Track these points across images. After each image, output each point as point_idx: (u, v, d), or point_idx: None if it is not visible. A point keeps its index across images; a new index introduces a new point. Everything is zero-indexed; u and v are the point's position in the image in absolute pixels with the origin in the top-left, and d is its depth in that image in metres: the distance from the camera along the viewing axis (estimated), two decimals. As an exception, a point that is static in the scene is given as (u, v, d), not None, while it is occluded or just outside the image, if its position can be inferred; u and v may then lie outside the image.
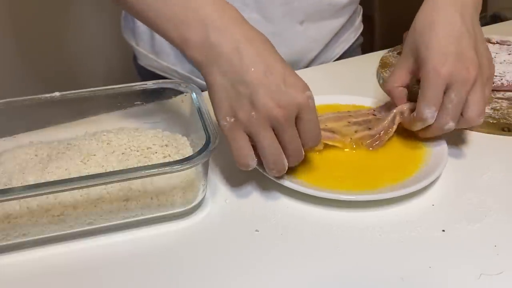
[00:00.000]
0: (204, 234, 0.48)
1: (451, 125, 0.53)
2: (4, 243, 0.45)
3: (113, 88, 0.56)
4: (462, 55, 0.52)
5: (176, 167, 0.44)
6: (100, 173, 0.44)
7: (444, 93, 0.52)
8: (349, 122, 0.60)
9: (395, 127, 0.58)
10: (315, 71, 0.82)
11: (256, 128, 0.46)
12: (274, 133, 0.47)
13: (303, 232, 0.48)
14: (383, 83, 0.59)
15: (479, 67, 0.52)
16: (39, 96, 0.54)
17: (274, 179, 0.51)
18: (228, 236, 0.47)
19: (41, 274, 0.44)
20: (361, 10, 0.94)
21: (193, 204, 0.49)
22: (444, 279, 0.43)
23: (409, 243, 0.46)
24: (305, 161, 0.55)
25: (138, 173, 0.44)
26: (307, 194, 0.50)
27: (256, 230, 0.48)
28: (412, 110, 0.57)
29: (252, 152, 0.48)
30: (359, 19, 0.92)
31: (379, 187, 0.51)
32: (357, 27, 0.92)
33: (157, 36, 0.80)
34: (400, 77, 0.59)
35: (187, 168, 0.45)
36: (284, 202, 0.51)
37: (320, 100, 0.66)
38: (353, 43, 0.91)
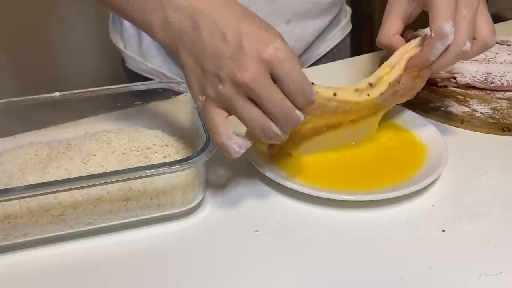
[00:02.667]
0: (204, 234, 0.48)
1: (468, 45, 0.50)
2: (4, 243, 0.45)
3: (113, 88, 0.56)
4: None
5: (176, 167, 0.44)
6: (100, 173, 0.44)
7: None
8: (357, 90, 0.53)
9: (397, 72, 0.53)
10: (315, 71, 0.82)
11: (228, 102, 0.43)
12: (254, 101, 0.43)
13: (303, 232, 0.48)
14: (377, 39, 0.55)
15: None
16: (39, 96, 0.54)
17: (275, 180, 0.51)
18: (228, 236, 0.47)
19: (41, 274, 0.43)
20: (350, 11, 0.93)
21: (193, 204, 0.49)
22: (444, 279, 0.43)
23: (409, 243, 0.46)
24: (305, 161, 0.55)
25: (138, 173, 0.44)
26: (307, 194, 0.50)
27: (256, 230, 0.48)
28: (418, 45, 0.53)
29: (228, 131, 0.44)
30: (346, 19, 0.92)
31: (379, 187, 0.51)
32: (344, 26, 0.91)
33: (144, 39, 0.80)
34: (394, 24, 0.55)
35: (187, 168, 0.45)
36: (284, 202, 0.51)
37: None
38: (339, 42, 0.90)
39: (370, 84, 0.52)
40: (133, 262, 0.45)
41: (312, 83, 0.46)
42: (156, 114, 0.59)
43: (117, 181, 0.44)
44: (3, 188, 0.44)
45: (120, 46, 0.85)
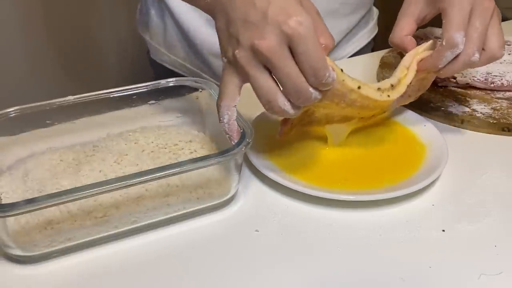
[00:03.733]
0: (203, 235, 0.48)
1: (476, 56, 0.52)
2: (50, 249, 0.44)
3: (125, 89, 0.56)
4: None
5: (218, 158, 0.45)
6: (155, 168, 0.44)
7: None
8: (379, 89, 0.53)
9: (412, 74, 0.54)
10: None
11: (242, 68, 0.44)
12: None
13: (303, 232, 0.48)
14: (389, 38, 0.56)
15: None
16: (53, 101, 0.53)
17: (275, 179, 0.51)
18: (228, 236, 0.47)
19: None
20: (377, 13, 0.93)
21: (229, 196, 0.50)
22: (444, 279, 0.43)
23: (409, 243, 0.46)
24: (305, 161, 0.55)
25: (191, 166, 0.44)
26: (307, 194, 0.50)
27: (256, 230, 0.48)
28: (428, 49, 0.55)
29: (231, 100, 0.46)
30: (373, 22, 0.91)
31: (379, 187, 0.51)
32: (371, 29, 0.91)
33: (168, 31, 0.82)
34: (408, 25, 0.56)
35: (230, 159, 0.46)
36: (284, 202, 0.51)
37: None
38: (366, 45, 0.90)
39: (392, 86, 0.53)
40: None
41: (342, 70, 0.47)
42: (171, 112, 0.59)
43: (171, 174, 0.44)
44: (43, 194, 0.44)
45: (146, 36, 0.86)
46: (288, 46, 0.42)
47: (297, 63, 0.43)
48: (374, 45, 0.95)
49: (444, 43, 0.51)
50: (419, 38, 0.83)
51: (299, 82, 0.43)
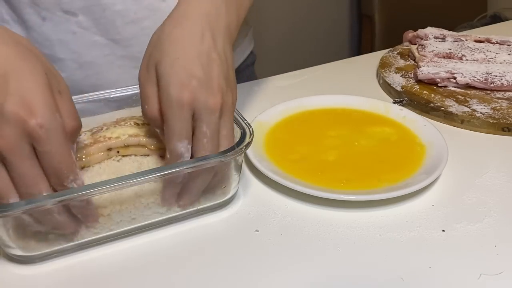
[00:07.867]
0: (203, 235, 0.48)
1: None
2: (51, 249, 0.44)
3: (128, 89, 0.56)
4: (210, 81, 0.44)
5: (218, 158, 0.45)
6: (154, 169, 0.44)
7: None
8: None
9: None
10: (315, 71, 0.82)
11: None
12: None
13: (303, 232, 0.48)
14: (144, 111, 0.47)
15: (226, 95, 0.46)
16: None
17: (275, 180, 0.51)
18: (228, 236, 0.47)
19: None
20: (251, 28, 0.86)
21: (229, 196, 0.50)
22: (444, 279, 0.43)
23: (409, 243, 0.46)
24: (305, 161, 0.55)
25: (190, 166, 0.44)
26: (307, 194, 0.50)
27: (256, 230, 0.48)
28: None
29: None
30: (247, 38, 0.84)
31: (379, 187, 0.51)
32: (244, 47, 0.84)
33: None
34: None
35: (230, 159, 0.45)
36: (284, 202, 0.51)
37: (320, 100, 0.67)
38: (242, 63, 0.83)
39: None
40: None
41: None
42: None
43: (168, 176, 0.44)
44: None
45: None
46: (31, 144, 0.39)
47: (40, 162, 0.40)
48: (361, 42, 0.91)
49: (168, 155, 0.45)
50: (419, 38, 0.83)
51: (31, 184, 0.40)
